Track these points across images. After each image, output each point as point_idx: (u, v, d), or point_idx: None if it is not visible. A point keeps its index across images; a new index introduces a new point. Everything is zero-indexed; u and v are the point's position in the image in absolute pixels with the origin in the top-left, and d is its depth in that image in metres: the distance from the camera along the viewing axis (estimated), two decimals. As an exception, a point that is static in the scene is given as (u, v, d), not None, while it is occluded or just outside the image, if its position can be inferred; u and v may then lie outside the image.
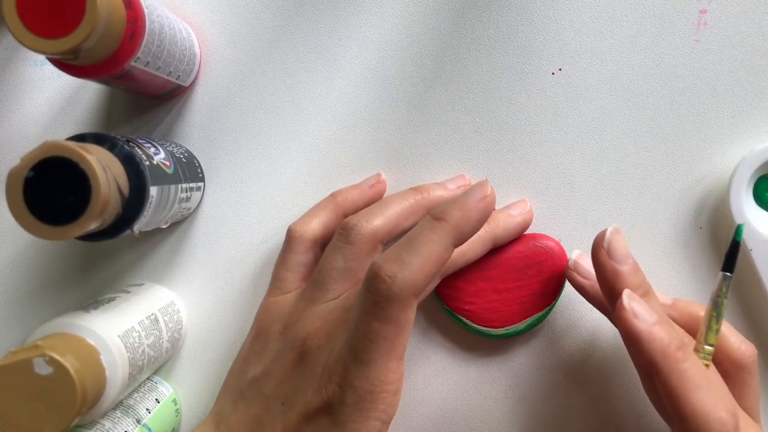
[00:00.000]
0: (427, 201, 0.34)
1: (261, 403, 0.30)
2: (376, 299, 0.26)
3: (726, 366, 0.30)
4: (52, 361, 0.26)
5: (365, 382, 0.26)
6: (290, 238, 0.34)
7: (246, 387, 0.31)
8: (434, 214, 0.27)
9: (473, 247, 0.34)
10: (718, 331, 0.29)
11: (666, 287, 0.36)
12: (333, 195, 0.36)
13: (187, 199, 0.35)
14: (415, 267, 0.26)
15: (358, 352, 0.26)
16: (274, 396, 0.29)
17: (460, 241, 0.27)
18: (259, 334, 0.33)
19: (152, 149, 0.32)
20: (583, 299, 0.33)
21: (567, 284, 0.36)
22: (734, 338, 0.30)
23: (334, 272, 0.32)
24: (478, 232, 0.30)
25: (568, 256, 0.35)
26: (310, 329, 0.30)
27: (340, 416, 0.26)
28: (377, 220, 0.32)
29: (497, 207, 0.36)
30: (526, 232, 0.36)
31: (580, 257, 0.33)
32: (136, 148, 0.30)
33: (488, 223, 0.33)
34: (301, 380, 0.29)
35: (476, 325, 0.35)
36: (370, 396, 0.26)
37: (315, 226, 0.34)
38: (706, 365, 0.28)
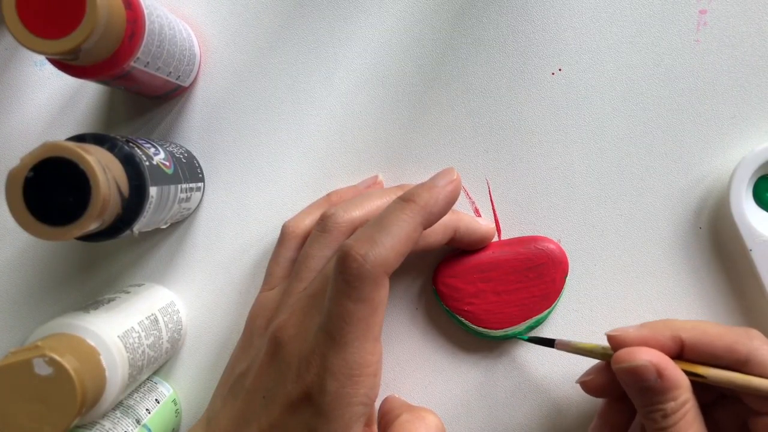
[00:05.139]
0: None
1: (245, 398, 0.30)
2: (348, 279, 0.26)
3: None
4: (51, 362, 0.26)
5: (344, 367, 0.26)
6: (282, 234, 0.35)
7: (233, 383, 0.31)
8: (403, 196, 0.28)
9: (435, 231, 0.33)
10: (593, 348, 0.31)
11: (665, 287, 0.36)
12: (329, 195, 0.36)
13: (187, 199, 0.35)
14: (387, 245, 0.26)
15: (334, 335, 0.26)
16: (255, 390, 0.29)
17: (428, 222, 0.28)
18: (246, 331, 0.33)
19: (152, 149, 0.32)
20: (581, 302, 0.33)
21: (566, 287, 0.36)
22: None
23: (310, 261, 0.32)
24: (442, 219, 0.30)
25: (569, 257, 0.35)
26: (280, 321, 0.30)
27: (322, 405, 0.26)
28: (356, 211, 0.32)
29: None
30: (529, 235, 0.36)
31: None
32: (136, 149, 0.30)
33: (451, 212, 0.34)
34: (279, 373, 0.28)
35: (475, 326, 0.35)
36: (350, 381, 0.26)
37: (308, 223, 0.34)
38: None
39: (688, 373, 0.28)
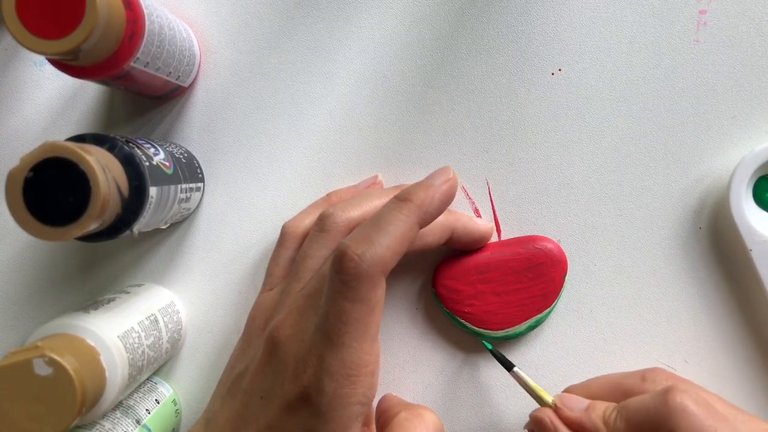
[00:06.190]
0: None
1: (242, 399, 0.29)
2: (344, 279, 0.26)
3: None
4: (51, 362, 0.26)
5: (341, 367, 0.26)
6: (282, 234, 0.35)
7: (232, 384, 0.31)
8: (399, 195, 0.28)
9: (432, 231, 0.33)
10: (542, 396, 0.32)
11: (665, 287, 0.36)
12: (328, 195, 0.36)
13: (187, 199, 0.35)
14: (383, 245, 0.26)
15: (331, 336, 0.26)
16: (253, 390, 0.29)
17: (424, 221, 0.28)
18: (245, 332, 0.33)
19: (152, 150, 0.32)
20: (582, 302, 0.33)
21: (567, 287, 0.36)
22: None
23: (308, 261, 0.32)
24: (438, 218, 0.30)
25: (568, 257, 0.35)
26: (277, 322, 0.30)
27: (319, 406, 0.26)
28: (354, 211, 0.32)
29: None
30: (528, 234, 0.36)
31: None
32: (136, 149, 0.30)
33: (448, 212, 0.34)
34: (276, 373, 0.28)
35: (476, 327, 0.35)
36: (347, 381, 0.26)
37: (308, 223, 0.35)
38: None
39: None
